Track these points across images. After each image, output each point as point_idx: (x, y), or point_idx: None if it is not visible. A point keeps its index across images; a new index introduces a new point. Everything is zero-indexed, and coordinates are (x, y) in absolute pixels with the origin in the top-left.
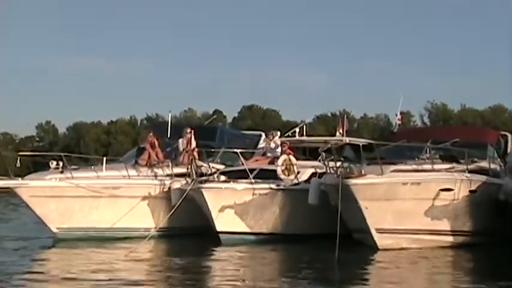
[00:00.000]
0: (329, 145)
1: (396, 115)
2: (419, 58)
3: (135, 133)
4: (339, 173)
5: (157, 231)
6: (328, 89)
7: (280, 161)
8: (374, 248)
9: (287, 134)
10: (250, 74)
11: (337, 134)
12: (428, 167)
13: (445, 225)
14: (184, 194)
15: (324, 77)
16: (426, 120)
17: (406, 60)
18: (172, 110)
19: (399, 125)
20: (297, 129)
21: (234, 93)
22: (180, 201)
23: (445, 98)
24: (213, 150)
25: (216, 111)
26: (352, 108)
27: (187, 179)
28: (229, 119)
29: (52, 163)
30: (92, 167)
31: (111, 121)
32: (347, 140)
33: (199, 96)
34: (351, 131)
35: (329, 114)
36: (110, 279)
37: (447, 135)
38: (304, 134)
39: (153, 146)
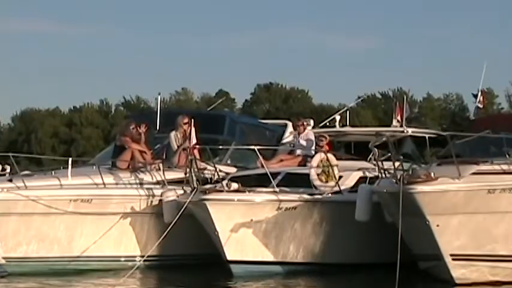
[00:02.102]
0: (384, 138)
1: (475, 95)
2: (505, 15)
3: (108, 124)
4: (398, 176)
5: (145, 260)
6: (376, 60)
7: (314, 162)
8: (449, 282)
9: (323, 124)
10: (266, 39)
11: (394, 122)
12: None
13: None
14: (182, 209)
15: (371, 43)
16: None
17: (485, 20)
18: (161, 91)
19: (480, 108)
20: (337, 117)
21: (244, 66)
22: (176, 218)
23: None
24: (220, 147)
25: (221, 93)
26: (410, 87)
27: (186, 187)
28: (239, 104)
29: None
30: (52, 172)
31: (74, 108)
32: (409, 131)
33: (196, 72)
34: (409, 119)
35: (378, 95)
36: None
37: None
38: (348, 123)
39: (137, 143)
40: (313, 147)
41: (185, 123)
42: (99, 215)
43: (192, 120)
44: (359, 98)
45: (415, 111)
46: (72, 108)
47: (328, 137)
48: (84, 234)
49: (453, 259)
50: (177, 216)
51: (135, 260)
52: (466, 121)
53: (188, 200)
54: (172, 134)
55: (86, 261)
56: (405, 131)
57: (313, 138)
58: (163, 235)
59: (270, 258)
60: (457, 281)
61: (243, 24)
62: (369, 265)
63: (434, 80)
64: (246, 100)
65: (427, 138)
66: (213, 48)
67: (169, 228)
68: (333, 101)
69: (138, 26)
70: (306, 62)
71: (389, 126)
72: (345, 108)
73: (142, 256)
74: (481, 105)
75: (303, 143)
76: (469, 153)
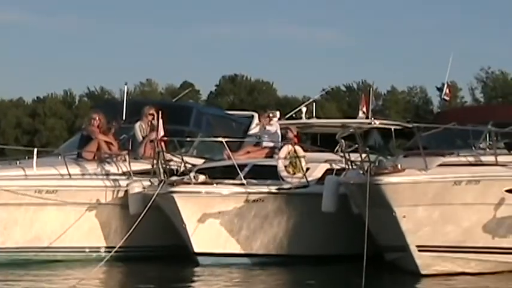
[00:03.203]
0: (351, 130)
1: (439, 89)
2: (468, 9)
3: (72, 115)
4: (366, 168)
5: (111, 252)
6: (340, 52)
7: (282, 153)
8: (415, 273)
9: (289, 115)
10: (231, 31)
11: (360, 114)
12: (489, 159)
13: None
14: (150, 202)
15: (336, 36)
16: (479, 95)
17: (450, 14)
18: (124, 82)
19: (446, 100)
20: (304, 108)
21: (209, 58)
22: (144, 211)
23: (505, 64)
24: (188, 139)
25: (185, 84)
26: (374, 80)
27: (152, 179)
28: (203, 96)
29: None
30: (17, 162)
31: (38, 98)
32: (376, 122)
33: (161, 64)
34: (374, 111)
35: (342, 88)
36: None
37: None
38: (314, 115)
39: (104, 133)
40: (280, 139)
41: (150, 114)
42: (64, 206)
43: (160, 112)
44: (323, 90)
45: (379, 104)
46: (35, 98)
47: (296, 129)
48: (49, 225)
49: (419, 250)
50: (146, 209)
51: (99, 251)
52: (430, 114)
53: (156, 193)
54: (137, 124)
55: (50, 252)
56: (373, 123)
57: (279, 130)
58: (132, 228)
59: (238, 250)
60: (422, 272)
61: (207, 17)
62: (336, 256)
63: (399, 73)
64: (210, 92)
65: (392, 130)
66: (178, 39)
67: (137, 221)
68: (297, 93)
69: (102, 16)
70: (271, 54)
71: (354, 118)
72: (311, 100)
73: (107, 247)
74: (447, 98)
75: (269, 135)
76: (435, 145)
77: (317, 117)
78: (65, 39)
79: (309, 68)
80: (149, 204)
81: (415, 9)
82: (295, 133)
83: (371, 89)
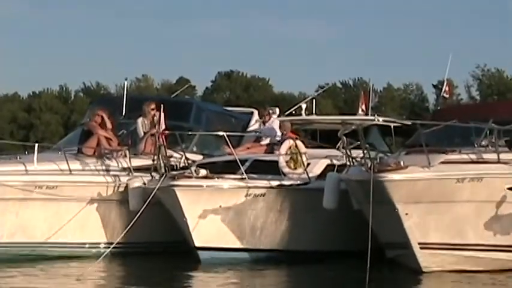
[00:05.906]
0: (353, 127)
1: (435, 86)
2: (464, 7)
3: (68, 110)
4: (369, 164)
5: (111, 247)
6: (336, 49)
7: (283, 149)
8: (416, 271)
9: (289, 112)
10: (227, 27)
11: (359, 111)
12: (491, 156)
13: None
14: (151, 195)
15: (331, 32)
16: (475, 93)
17: (445, 10)
18: (120, 77)
19: (445, 98)
20: (303, 105)
21: (205, 54)
22: (144, 205)
23: (501, 61)
24: (189, 133)
25: (181, 80)
26: (370, 77)
27: (154, 173)
28: (199, 91)
29: None
30: (18, 157)
31: (33, 93)
32: (380, 119)
33: (157, 59)
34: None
35: (338, 85)
36: None
37: None
38: (313, 111)
39: (104, 128)
40: (279, 135)
41: (152, 109)
42: (64, 201)
43: (162, 106)
44: (321, 88)
45: (376, 101)
46: (31, 93)
47: (290, 126)
48: (49, 220)
49: (421, 248)
50: (146, 203)
51: (99, 247)
52: (426, 111)
53: (157, 186)
54: (140, 120)
55: (50, 248)
56: (376, 120)
57: (278, 126)
58: (132, 223)
59: (238, 245)
60: (424, 270)
61: (204, 12)
62: (336, 253)
63: (394, 71)
64: (206, 88)
65: (392, 127)
66: (174, 35)
67: (137, 215)
68: (293, 89)
69: (97, 11)
70: (266, 51)
71: (352, 115)
72: (310, 97)
73: (107, 243)
74: (446, 95)
75: (269, 131)
76: (434, 142)
77: (316, 114)
78: (61, 33)
79: (304, 64)
80: (150, 198)
81: (411, 6)
82: (290, 129)
83: (371, 86)
